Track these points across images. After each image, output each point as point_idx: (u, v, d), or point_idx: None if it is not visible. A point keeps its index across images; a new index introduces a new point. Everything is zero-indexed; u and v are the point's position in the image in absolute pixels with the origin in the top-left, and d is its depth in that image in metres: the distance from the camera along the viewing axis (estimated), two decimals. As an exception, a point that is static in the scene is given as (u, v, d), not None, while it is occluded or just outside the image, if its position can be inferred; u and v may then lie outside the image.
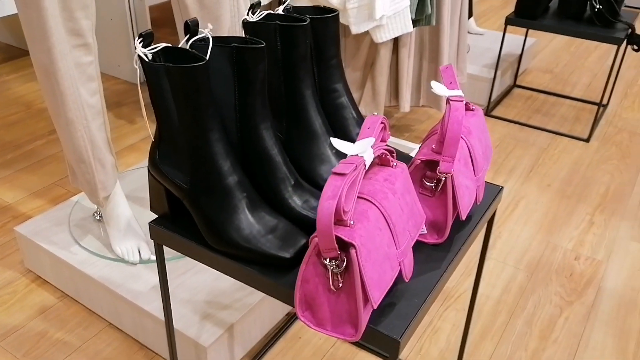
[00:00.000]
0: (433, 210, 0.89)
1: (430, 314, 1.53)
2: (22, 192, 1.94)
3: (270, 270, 0.84)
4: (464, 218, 0.88)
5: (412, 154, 1.32)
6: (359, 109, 2.00)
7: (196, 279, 1.39)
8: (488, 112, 2.54)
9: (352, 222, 0.69)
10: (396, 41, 1.89)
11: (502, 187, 1.05)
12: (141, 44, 0.80)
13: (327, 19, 0.96)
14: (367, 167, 0.73)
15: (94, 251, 1.46)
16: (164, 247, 0.96)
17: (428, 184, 0.87)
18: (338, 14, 0.98)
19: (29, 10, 1.06)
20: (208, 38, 0.84)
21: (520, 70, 2.88)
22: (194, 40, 0.85)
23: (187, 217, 0.92)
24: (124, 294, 1.34)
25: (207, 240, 0.87)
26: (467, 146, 0.91)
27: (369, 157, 0.73)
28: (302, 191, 0.91)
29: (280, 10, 0.97)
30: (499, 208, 1.95)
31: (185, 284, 1.37)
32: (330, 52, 0.99)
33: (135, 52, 0.80)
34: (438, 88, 0.89)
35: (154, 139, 0.89)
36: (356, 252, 0.67)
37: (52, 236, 1.51)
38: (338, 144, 0.73)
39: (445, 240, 0.90)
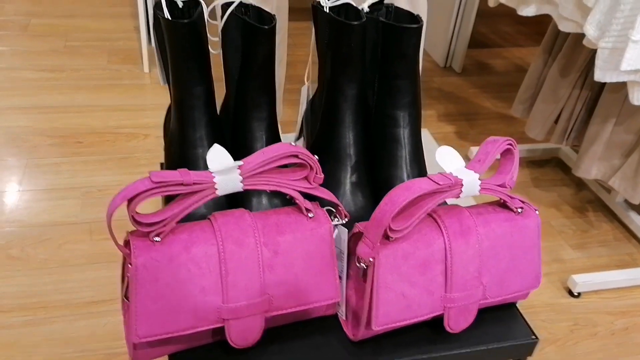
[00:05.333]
0: (358, 298, 0.67)
1: None
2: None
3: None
4: (355, 338, 0.64)
5: None
6: (611, 180, 1.57)
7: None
8: None
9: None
10: (694, 117, 1.39)
11: (537, 340, 0.72)
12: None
13: (397, 29, 0.77)
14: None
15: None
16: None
17: (357, 263, 0.65)
18: (419, 27, 0.77)
19: None
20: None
21: None
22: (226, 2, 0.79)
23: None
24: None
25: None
26: (445, 248, 0.64)
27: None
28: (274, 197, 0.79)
29: (365, 5, 0.82)
30: None
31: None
32: (395, 70, 0.80)
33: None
34: (444, 156, 0.65)
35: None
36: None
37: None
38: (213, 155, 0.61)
39: (366, 342, 0.68)
